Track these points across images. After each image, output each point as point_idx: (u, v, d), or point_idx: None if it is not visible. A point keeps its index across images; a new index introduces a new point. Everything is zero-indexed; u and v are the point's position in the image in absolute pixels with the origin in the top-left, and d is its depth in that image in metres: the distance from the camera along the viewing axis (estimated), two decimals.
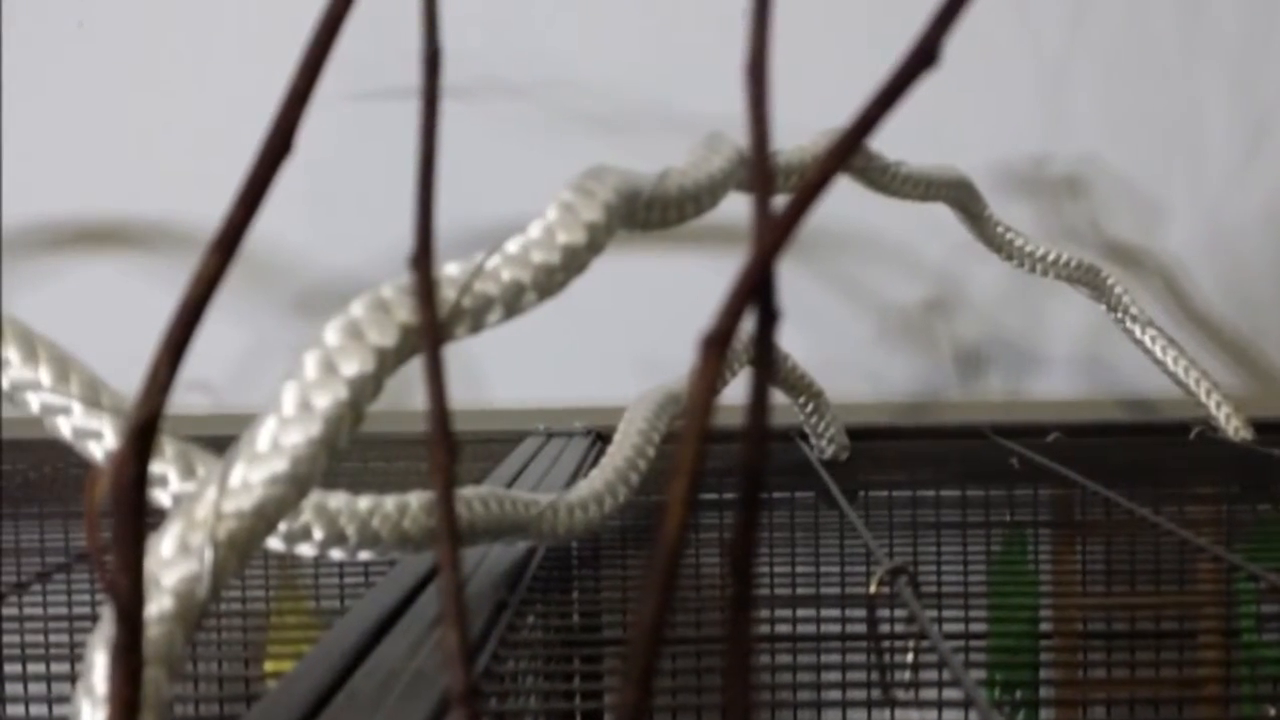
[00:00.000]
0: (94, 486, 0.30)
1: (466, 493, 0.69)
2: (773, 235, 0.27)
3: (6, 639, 0.99)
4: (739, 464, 0.27)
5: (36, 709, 0.98)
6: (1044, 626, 1.08)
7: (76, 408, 0.56)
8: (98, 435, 0.56)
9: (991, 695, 1.05)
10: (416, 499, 0.64)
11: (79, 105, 1.56)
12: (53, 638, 1.01)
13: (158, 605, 0.39)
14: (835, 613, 1.01)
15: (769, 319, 0.27)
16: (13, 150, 1.45)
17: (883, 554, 0.80)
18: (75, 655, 0.95)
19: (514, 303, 0.54)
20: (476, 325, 0.53)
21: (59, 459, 1.18)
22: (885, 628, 0.74)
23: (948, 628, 0.91)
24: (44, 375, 0.56)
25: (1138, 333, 1.37)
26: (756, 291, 0.27)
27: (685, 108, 1.52)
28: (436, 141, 0.32)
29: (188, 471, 0.56)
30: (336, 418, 0.45)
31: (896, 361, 1.59)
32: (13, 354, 0.56)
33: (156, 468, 0.55)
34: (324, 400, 0.45)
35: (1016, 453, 1.20)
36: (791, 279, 1.57)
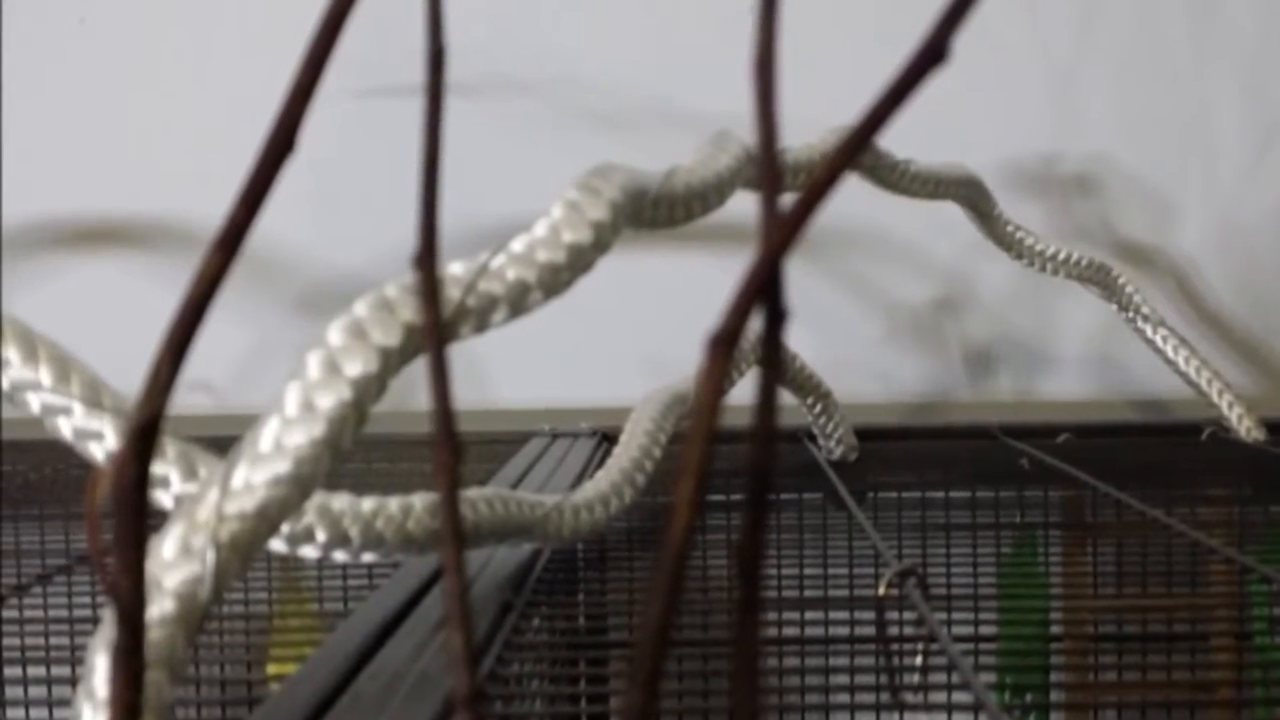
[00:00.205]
0: (95, 488, 0.30)
1: (471, 494, 0.69)
2: (780, 234, 0.27)
3: (6, 642, 0.99)
4: (746, 465, 0.27)
5: (37, 712, 0.98)
6: (1054, 629, 1.07)
7: (77, 408, 0.56)
8: (99, 436, 0.56)
9: (1002, 699, 1.05)
10: (420, 500, 0.64)
11: (80, 103, 1.56)
12: (53, 640, 1.01)
13: (159, 608, 0.39)
14: (843, 615, 1.01)
15: (776, 318, 0.27)
16: (13, 148, 1.45)
17: (891, 556, 0.80)
18: (76, 658, 0.95)
19: (519, 302, 0.54)
20: (481, 325, 0.53)
21: (60, 460, 1.18)
22: (894, 630, 0.74)
23: (957, 630, 0.91)
24: (44, 375, 0.56)
25: (1149, 332, 1.37)
26: (764, 291, 0.27)
27: (692, 105, 1.52)
28: (440, 139, 0.32)
29: (190, 473, 0.56)
30: (340, 418, 0.45)
31: (905, 361, 1.59)
32: (13, 354, 0.56)
33: (158, 469, 0.55)
34: (327, 401, 0.45)
35: (1027, 453, 1.20)
36: (799, 278, 1.57)
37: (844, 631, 0.96)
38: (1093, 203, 1.57)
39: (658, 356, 1.47)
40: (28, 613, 1.03)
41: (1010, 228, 1.33)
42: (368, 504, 0.61)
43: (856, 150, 0.27)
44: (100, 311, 1.47)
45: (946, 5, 0.26)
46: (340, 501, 0.60)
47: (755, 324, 0.27)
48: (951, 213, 1.29)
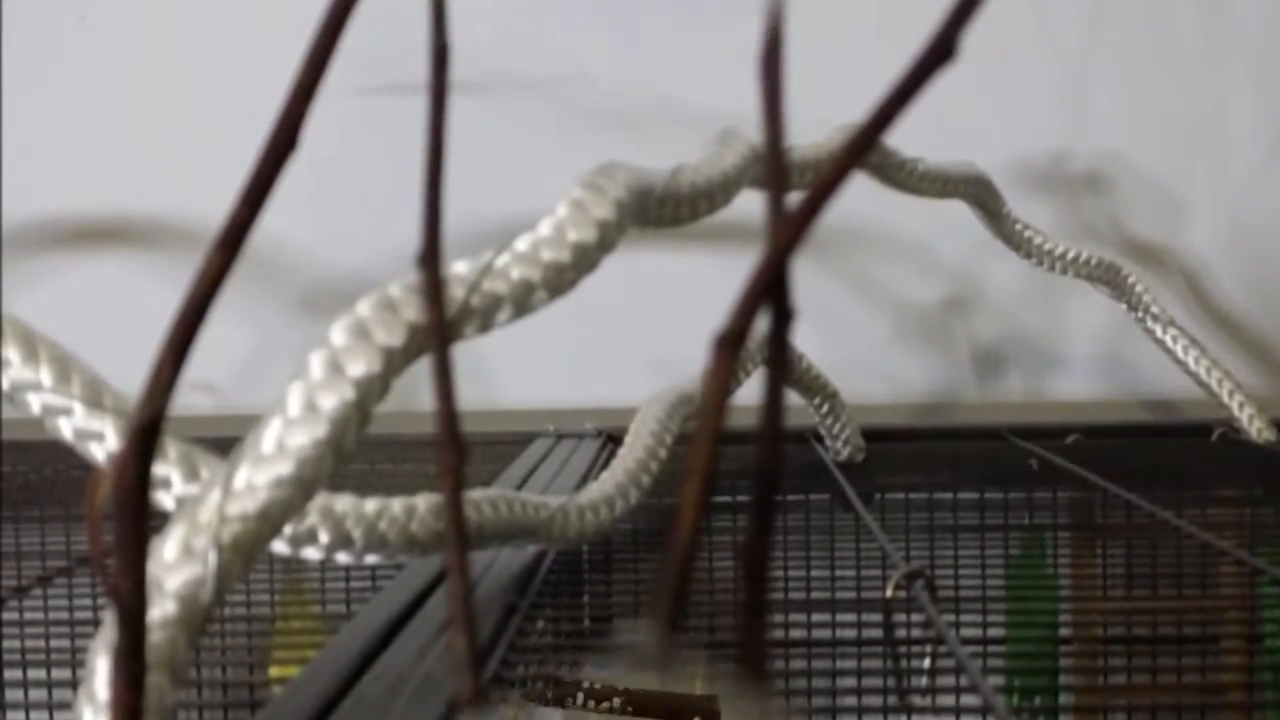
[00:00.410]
0: (96, 489, 0.30)
1: (475, 495, 0.69)
2: (787, 233, 0.27)
3: (6, 644, 0.99)
4: (753, 466, 0.27)
5: (37, 715, 0.98)
6: (1063, 631, 1.07)
7: (78, 409, 0.56)
8: (99, 437, 0.56)
9: (1010, 702, 1.05)
10: (424, 501, 0.64)
11: (80, 100, 1.56)
12: (54, 643, 1.01)
13: (161, 610, 0.39)
14: (851, 617, 1.01)
15: (783, 318, 0.27)
16: (13, 146, 1.45)
17: (899, 558, 0.80)
18: (77, 661, 0.95)
19: (523, 301, 0.54)
20: (485, 325, 0.53)
21: (60, 461, 1.18)
22: (901, 633, 0.74)
23: (965, 633, 0.91)
24: (45, 375, 0.56)
25: (1159, 332, 1.37)
26: (771, 290, 0.27)
27: (698, 103, 1.52)
28: (445, 138, 0.32)
29: (191, 474, 0.56)
30: (343, 419, 0.45)
31: (913, 362, 1.59)
32: (13, 354, 0.56)
33: (159, 470, 0.55)
34: (330, 401, 0.45)
35: (1035, 454, 1.20)
36: (806, 277, 1.56)
37: (851, 634, 0.95)
38: (1102, 202, 1.57)
39: (663, 356, 1.47)
40: (28, 615, 1.03)
41: (1019, 227, 1.33)
42: (371, 505, 0.61)
43: (864, 148, 0.27)
44: (101, 311, 1.47)
45: (954, 2, 0.26)
46: (343, 503, 0.60)
47: (762, 324, 0.27)
48: (960, 212, 1.29)
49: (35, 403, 0.56)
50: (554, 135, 1.55)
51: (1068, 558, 1.23)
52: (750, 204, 0.62)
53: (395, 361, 0.48)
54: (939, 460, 1.31)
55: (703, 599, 0.95)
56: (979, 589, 1.10)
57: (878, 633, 0.75)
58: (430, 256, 0.31)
